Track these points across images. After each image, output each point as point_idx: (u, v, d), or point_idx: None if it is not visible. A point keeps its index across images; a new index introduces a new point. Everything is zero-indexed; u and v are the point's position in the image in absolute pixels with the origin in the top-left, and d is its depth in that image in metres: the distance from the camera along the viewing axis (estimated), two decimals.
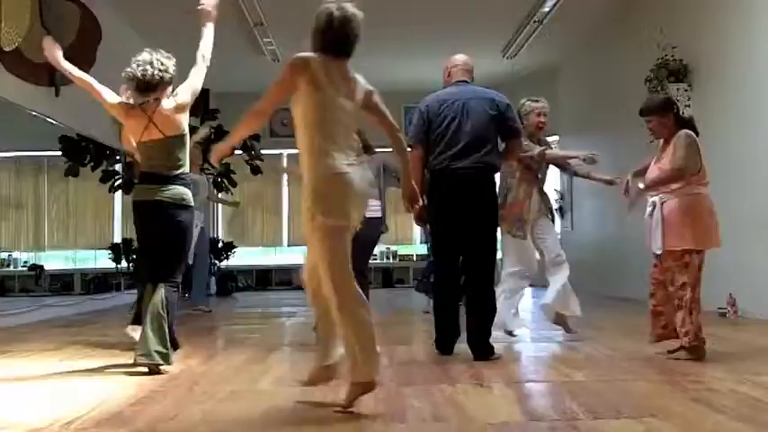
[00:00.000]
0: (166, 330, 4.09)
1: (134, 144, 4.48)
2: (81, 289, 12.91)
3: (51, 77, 7.44)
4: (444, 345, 4.64)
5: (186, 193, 4.31)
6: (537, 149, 5.36)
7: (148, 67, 4.19)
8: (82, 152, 10.56)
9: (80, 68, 4.55)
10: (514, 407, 3.24)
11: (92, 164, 10.67)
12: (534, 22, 9.59)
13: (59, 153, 10.88)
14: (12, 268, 13.54)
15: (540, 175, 5.58)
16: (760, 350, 4.82)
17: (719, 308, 6.66)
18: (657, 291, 4.46)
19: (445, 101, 4.70)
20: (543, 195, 5.59)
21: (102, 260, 13.17)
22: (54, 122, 8.19)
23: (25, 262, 13.56)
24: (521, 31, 10.06)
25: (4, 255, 13.58)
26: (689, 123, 4.46)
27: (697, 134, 4.40)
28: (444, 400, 3.30)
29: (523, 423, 2.89)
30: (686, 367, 4.00)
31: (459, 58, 4.95)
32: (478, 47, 10.50)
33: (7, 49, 6.87)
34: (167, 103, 4.25)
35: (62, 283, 13.22)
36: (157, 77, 4.20)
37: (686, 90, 7.42)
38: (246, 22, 9.27)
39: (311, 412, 3.12)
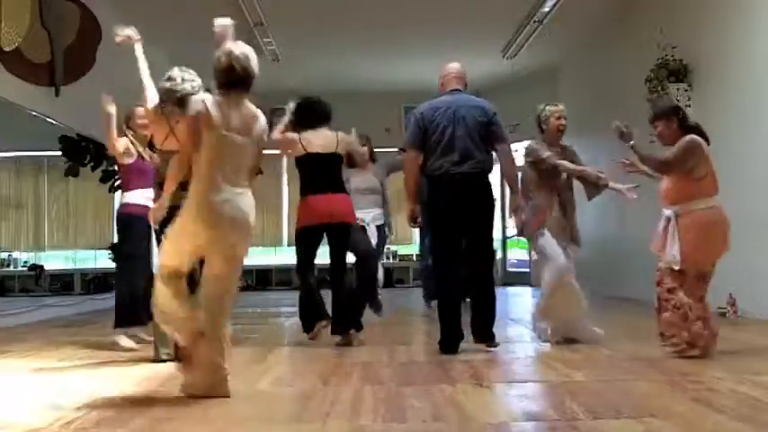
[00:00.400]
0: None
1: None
2: (81, 289, 12.91)
3: (51, 77, 7.44)
4: (449, 346, 4.70)
5: None
6: (547, 153, 5.07)
7: (195, 84, 4.35)
8: (82, 152, 10.56)
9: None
10: (514, 407, 3.24)
11: (92, 164, 10.67)
12: (534, 22, 9.58)
13: (59, 153, 10.88)
14: (12, 268, 13.54)
15: (560, 191, 5.19)
16: (760, 350, 4.82)
17: (719, 308, 6.64)
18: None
19: (438, 108, 4.85)
20: (570, 220, 5.18)
21: (102, 260, 13.15)
22: (54, 122, 8.19)
23: (25, 262, 13.57)
24: (521, 31, 10.04)
25: (4, 255, 13.59)
26: (695, 130, 4.42)
27: (708, 142, 4.37)
28: (444, 400, 3.30)
29: (523, 423, 2.89)
30: (686, 367, 4.00)
31: (453, 66, 5.06)
32: (478, 47, 10.55)
33: (7, 49, 6.88)
34: None
35: (62, 283, 13.23)
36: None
37: (686, 90, 7.41)
38: (246, 22, 9.26)
39: (310, 412, 3.11)
